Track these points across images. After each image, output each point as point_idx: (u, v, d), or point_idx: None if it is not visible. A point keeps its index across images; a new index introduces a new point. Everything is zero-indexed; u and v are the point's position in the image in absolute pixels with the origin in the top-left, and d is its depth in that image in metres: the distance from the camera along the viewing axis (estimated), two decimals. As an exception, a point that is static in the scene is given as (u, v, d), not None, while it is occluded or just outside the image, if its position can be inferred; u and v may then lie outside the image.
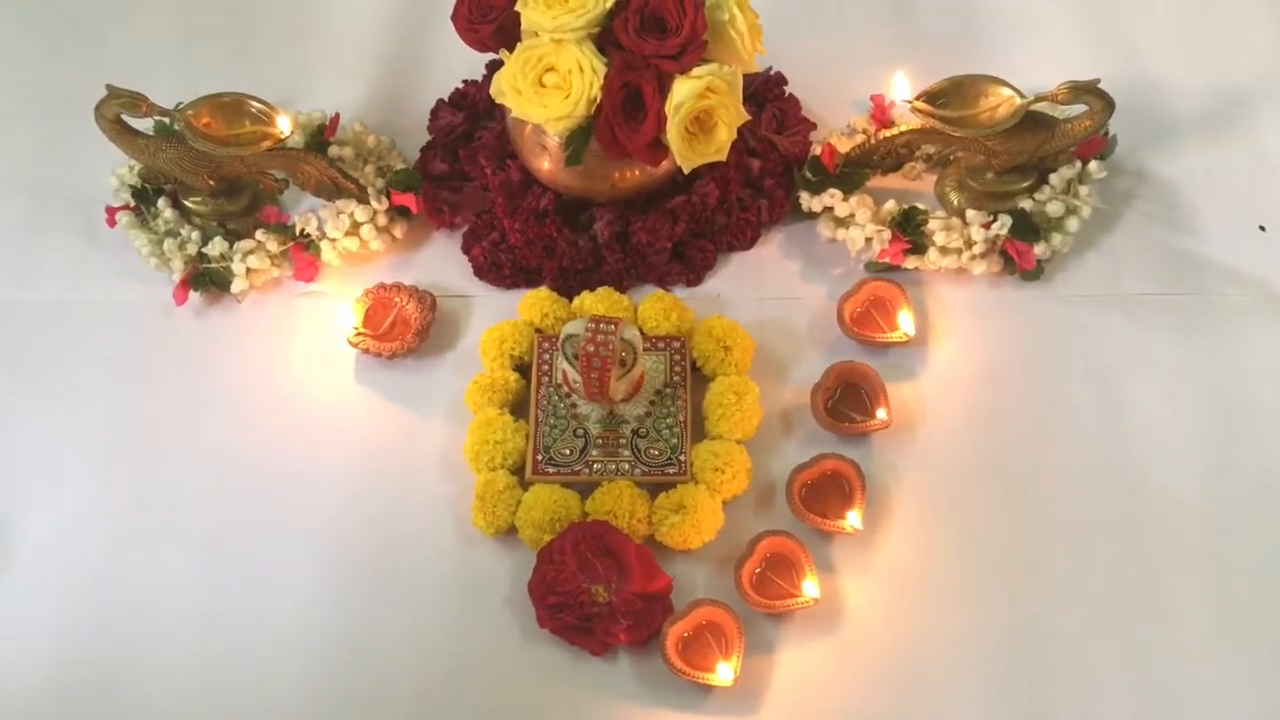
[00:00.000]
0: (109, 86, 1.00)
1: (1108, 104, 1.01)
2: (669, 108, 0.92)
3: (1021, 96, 1.01)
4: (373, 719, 0.92)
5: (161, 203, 1.10)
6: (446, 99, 1.18)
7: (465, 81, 1.19)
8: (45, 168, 1.18)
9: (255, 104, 1.03)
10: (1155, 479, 0.99)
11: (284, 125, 1.03)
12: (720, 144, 0.96)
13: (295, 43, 1.26)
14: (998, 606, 0.94)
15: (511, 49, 0.95)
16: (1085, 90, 1.00)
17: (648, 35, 0.92)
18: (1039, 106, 1.02)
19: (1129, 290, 1.08)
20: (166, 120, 1.06)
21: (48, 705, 0.93)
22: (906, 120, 1.09)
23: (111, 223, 1.10)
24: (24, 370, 1.08)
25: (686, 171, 0.97)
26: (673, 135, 0.93)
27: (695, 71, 0.92)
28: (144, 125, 1.08)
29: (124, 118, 1.03)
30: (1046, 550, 0.96)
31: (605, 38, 0.94)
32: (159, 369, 1.07)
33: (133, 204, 1.10)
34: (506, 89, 0.95)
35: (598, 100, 0.93)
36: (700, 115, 0.93)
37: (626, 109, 0.93)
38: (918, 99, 1.02)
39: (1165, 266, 1.09)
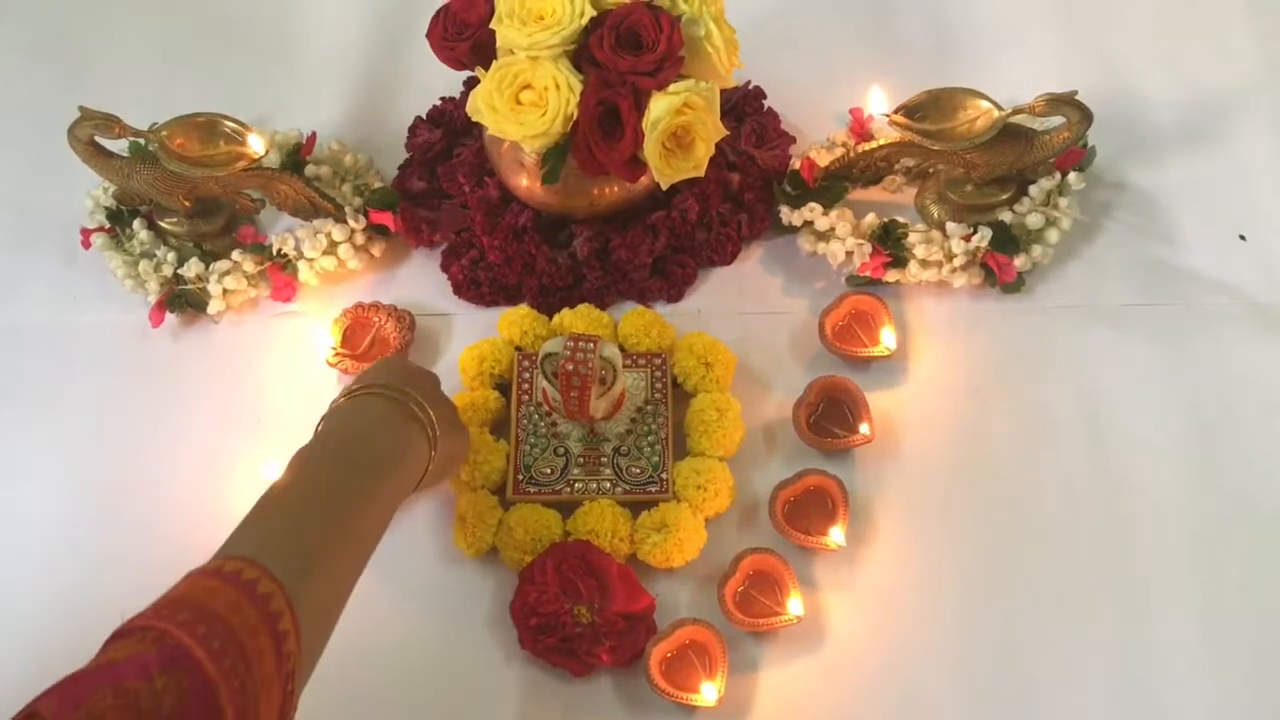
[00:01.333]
0: (81, 108, 1.00)
1: (1085, 115, 1.01)
2: (646, 124, 0.92)
3: (999, 109, 1.01)
4: (352, 742, 0.90)
5: (137, 224, 1.09)
6: (424, 116, 1.17)
7: (443, 99, 1.18)
8: (22, 189, 1.17)
9: (229, 124, 1.02)
10: (1139, 489, 0.99)
11: (257, 145, 1.02)
12: (698, 160, 0.95)
13: (271, 62, 1.25)
14: (982, 620, 0.94)
15: (487, 67, 0.94)
16: (1063, 102, 1.00)
17: (623, 52, 0.91)
18: (1017, 119, 1.02)
19: (1111, 301, 1.08)
20: (140, 141, 1.05)
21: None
22: (885, 133, 1.08)
23: (86, 245, 1.09)
24: (0, 390, 1.07)
25: (665, 188, 0.97)
26: (650, 152, 0.93)
27: (672, 88, 0.92)
28: (119, 147, 1.07)
29: (97, 139, 1.02)
30: (1031, 563, 0.96)
31: (581, 54, 0.93)
32: (136, 391, 1.06)
33: (108, 226, 1.10)
34: (482, 107, 0.95)
35: (574, 117, 0.92)
36: (678, 131, 0.93)
37: (603, 126, 0.93)
38: (896, 113, 1.02)
39: (1146, 276, 1.09)
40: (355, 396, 0.84)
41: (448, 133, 1.15)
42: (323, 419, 0.84)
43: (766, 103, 1.17)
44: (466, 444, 0.94)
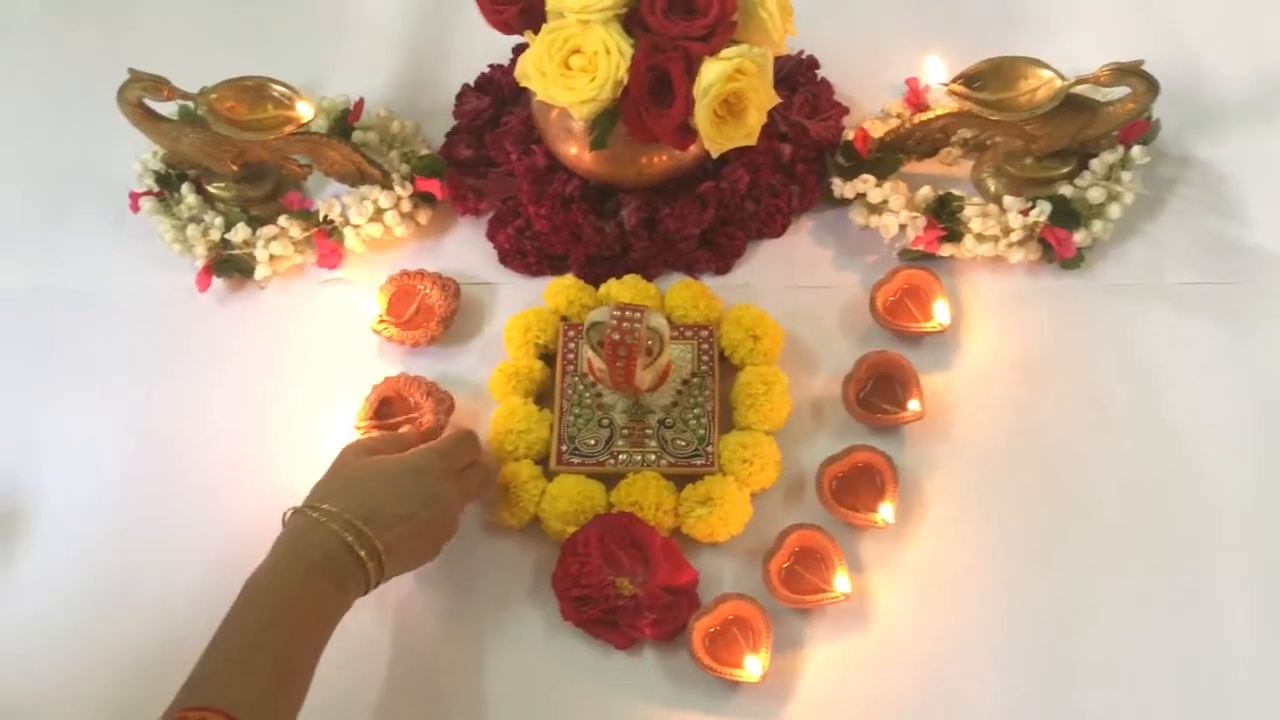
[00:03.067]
0: (130, 70, 0.99)
1: (1151, 86, 0.97)
2: (697, 90, 0.90)
3: (1062, 79, 0.98)
4: (394, 711, 0.90)
5: (185, 188, 1.09)
6: (472, 84, 1.16)
7: (491, 66, 1.17)
8: (71, 154, 1.17)
9: (278, 88, 1.02)
10: (1199, 474, 0.96)
11: (306, 110, 1.02)
12: (750, 128, 0.93)
13: (320, 28, 1.24)
14: (1033, 604, 0.91)
15: (537, 31, 0.93)
16: (1128, 72, 0.97)
17: (675, 16, 0.90)
18: (1080, 89, 0.99)
19: (1173, 279, 1.04)
20: (189, 105, 1.05)
21: (63, 674, 0.93)
22: (943, 104, 1.06)
23: (135, 208, 1.09)
24: (49, 354, 1.07)
25: (715, 156, 0.95)
26: (701, 119, 0.91)
27: (724, 53, 0.90)
28: (168, 110, 1.07)
29: (146, 102, 1.02)
30: (1085, 547, 0.93)
31: (632, 19, 0.91)
32: (183, 355, 1.06)
33: (156, 189, 1.10)
34: (531, 72, 0.93)
35: (624, 83, 0.91)
36: (729, 98, 0.91)
37: (654, 92, 0.91)
38: (954, 81, 1.00)
39: (1211, 255, 1.05)
40: (297, 523, 0.84)
41: (495, 100, 1.14)
42: (279, 538, 0.84)
43: (820, 73, 1.15)
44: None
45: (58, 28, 1.27)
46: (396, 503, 0.85)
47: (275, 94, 1.02)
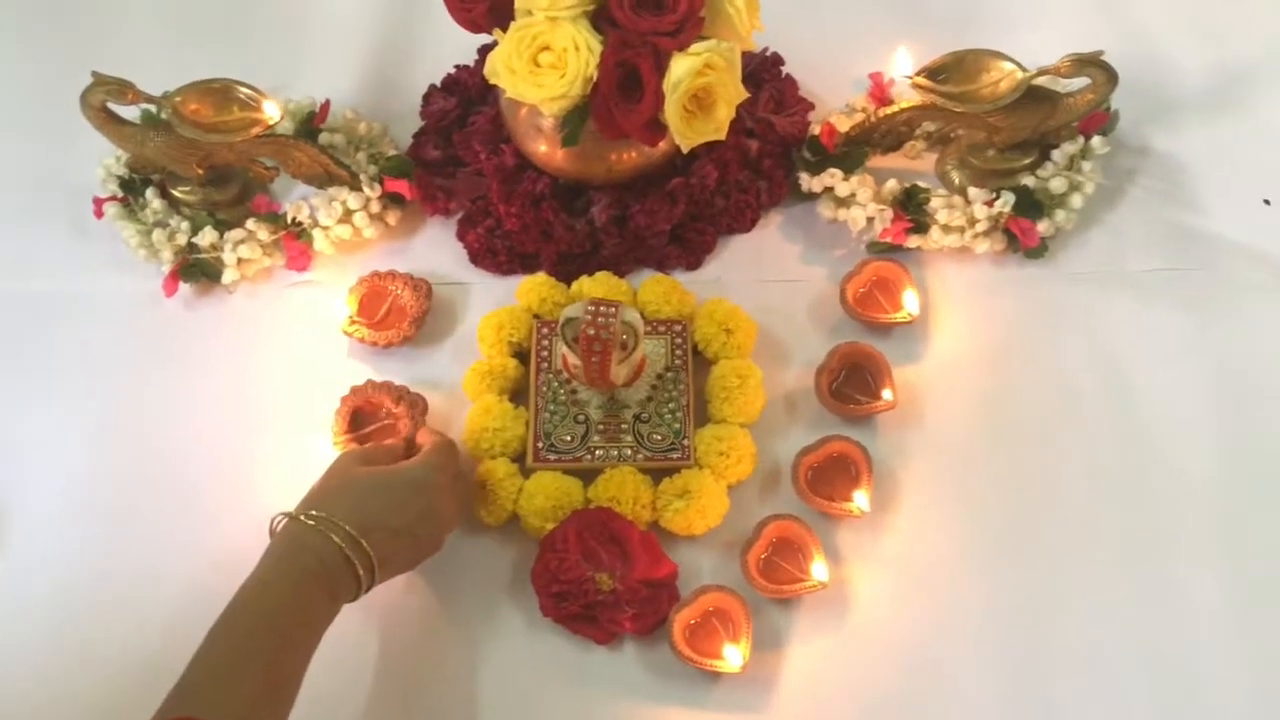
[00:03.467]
0: (94, 74, 0.98)
1: (1111, 76, 0.99)
2: (667, 85, 0.90)
3: (1024, 70, 0.99)
4: (374, 709, 0.90)
5: (150, 193, 1.08)
6: (439, 84, 1.16)
7: (457, 66, 1.17)
8: (36, 159, 1.16)
9: (243, 90, 1.01)
10: (1165, 457, 0.97)
11: (272, 111, 1.01)
12: (719, 122, 0.94)
13: (285, 31, 1.23)
14: (1006, 588, 0.92)
15: (505, 28, 0.93)
16: (1088, 63, 0.98)
17: (644, 12, 0.90)
18: (1041, 81, 1.00)
19: (1135, 267, 1.06)
20: (153, 109, 1.04)
21: (40, 678, 0.92)
22: (907, 98, 1.07)
23: (99, 214, 1.08)
24: (15, 360, 1.06)
25: (685, 151, 0.95)
26: (671, 114, 0.91)
27: (693, 48, 0.90)
28: (132, 114, 1.06)
29: (110, 106, 1.01)
30: (1055, 532, 0.95)
31: (601, 15, 0.92)
32: (150, 361, 1.05)
33: (120, 195, 1.08)
34: (500, 69, 0.93)
35: (594, 79, 0.91)
36: (699, 93, 0.92)
37: (623, 88, 0.91)
38: (918, 74, 1.01)
39: (1171, 242, 1.07)
40: (293, 530, 0.83)
41: (462, 100, 1.14)
42: (271, 544, 0.83)
43: (785, 69, 1.16)
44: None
45: (20, 36, 1.26)
46: (394, 515, 0.85)
47: (241, 96, 1.01)
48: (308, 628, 0.81)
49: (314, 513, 0.83)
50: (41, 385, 1.05)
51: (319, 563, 0.81)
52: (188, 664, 0.76)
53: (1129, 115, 1.11)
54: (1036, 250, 1.05)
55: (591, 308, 0.90)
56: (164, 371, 1.05)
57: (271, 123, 1.01)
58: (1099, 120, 1.07)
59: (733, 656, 0.88)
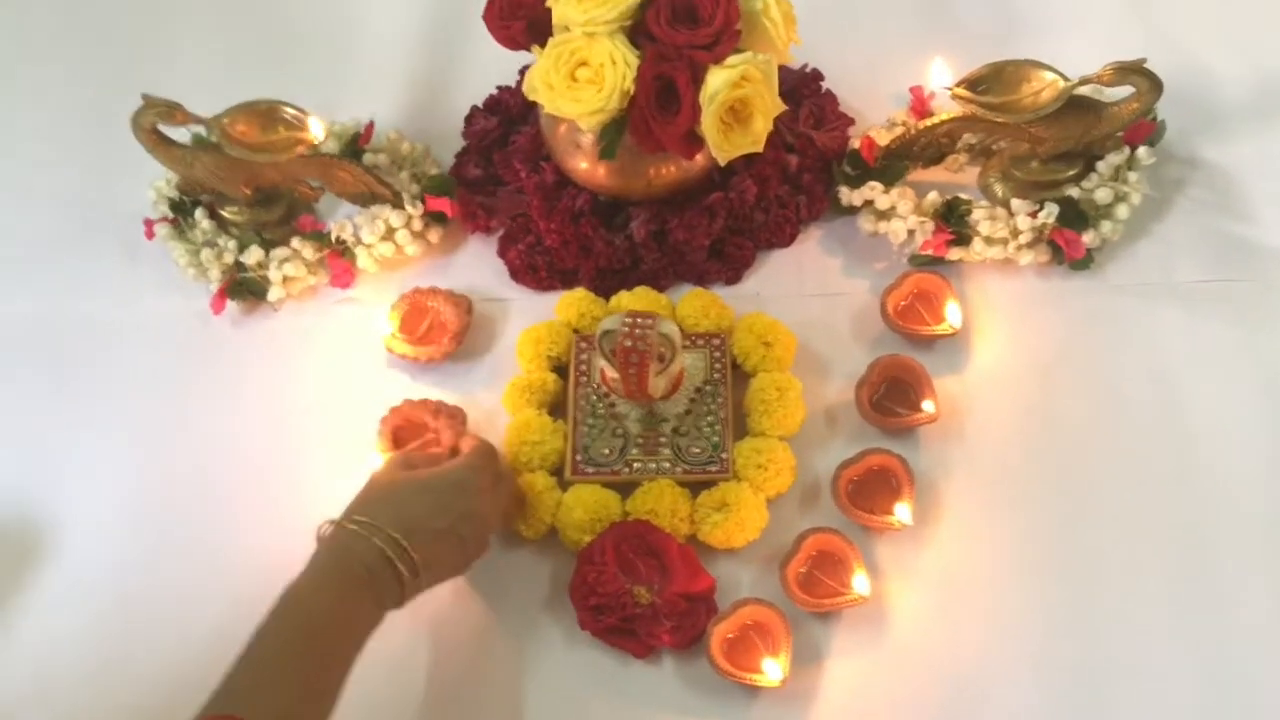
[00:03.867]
0: (145, 96, 1.01)
1: (1155, 84, 0.98)
2: (703, 98, 0.91)
3: (1065, 79, 0.99)
4: (409, 718, 0.89)
5: (199, 214, 1.10)
6: (481, 105, 1.18)
7: (499, 88, 1.18)
8: (89, 181, 1.19)
9: (289, 110, 1.03)
10: (1215, 473, 0.95)
11: (317, 130, 1.03)
12: (756, 134, 0.94)
13: (330, 55, 1.26)
14: (1053, 604, 0.90)
15: (543, 45, 0.94)
16: (1131, 71, 0.97)
17: (680, 26, 0.91)
18: (1084, 90, 0.99)
19: (1183, 278, 1.04)
20: (202, 130, 1.06)
21: (89, 689, 0.93)
22: (947, 110, 1.06)
23: (150, 235, 1.11)
24: (67, 379, 1.08)
25: (723, 163, 0.96)
26: (708, 126, 0.92)
27: (729, 61, 0.91)
28: (181, 137, 1.08)
29: (160, 128, 1.04)
30: (1103, 547, 0.92)
31: (637, 30, 0.93)
32: (198, 378, 1.07)
33: (171, 216, 1.11)
34: (539, 85, 0.94)
35: (631, 93, 0.92)
36: (735, 105, 0.92)
37: (660, 101, 0.92)
38: (958, 85, 1.00)
39: (1221, 254, 1.05)
40: (338, 536, 0.84)
41: (504, 120, 1.15)
42: (316, 551, 0.84)
43: (824, 85, 1.16)
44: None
45: (74, 54, 1.30)
46: (436, 517, 0.85)
47: (286, 116, 1.03)
48: (351, 632, 0.81)
49: (358, 518, 0.84)
50: (92, 403, 1.07)
51: (363, 567, 0.82)
52: (231, 664, 0.76)
53: (1176, 126, 1.10)
54: (1082, 262, 1.04)
55: (629, 320, 0.90)
56: (212, 388, 1.07)
57: (316, 142, 1.03)
58: (1145, 130, 1.06)
59: (772, 671, 0.87)
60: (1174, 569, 0.91)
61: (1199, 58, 1.17)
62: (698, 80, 0.91)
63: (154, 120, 1.02)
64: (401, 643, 0.92)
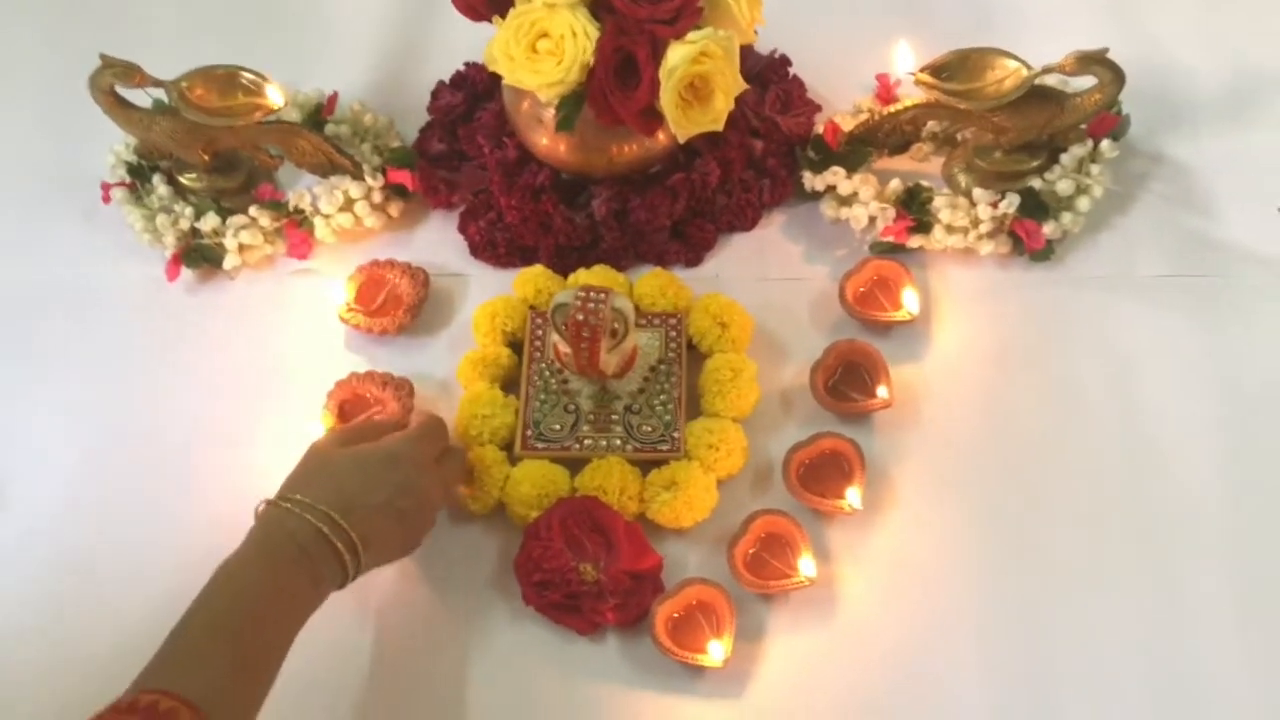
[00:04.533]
0: (103, 56, 1.00)
1: (1117, 75, 0.98)
2: (663, 73, 0.90)
3: (1028, 68, 0.98)
4: (354, 695, 0.88)
5: (156, 179, 1.09)
6: (446, 80, 1.17)
7: (466, 63, 1.17)
8: (43, 147, 1.18)
9: (248, 75, 1.02)
10: (1170, 464, 0.95)
11: (275, 96, 1.02)
12: (717, 113, 0.93)
13: (297, 26, 1.25)
14: (1002, 593, 0.90)
15: (505, 16, 0.93)
16: (1094, 60, 0.97)
17: (641, 0, 0.90)
18: (1048, 80, 0.99)
19: (1143, 272, 1.04)
20: (161, 94, 1.05)
21: (34, 657, 0.92)
22: (912, 98, 1.06)
23: (106, 199, 1.09)
24: (18, 344, 1.06)
25: (682, 140, 0.95)
26: (667, 102, 0.91)
27: (690, 36, 0.90)
28: (141, 101, 1.07)
29: (118, 90, 1.03)
30: (1054, 536, 0.92)
31: (599, 3, 0.92)
32: (152, 345, 1.05)
33: (128, 180, 1.10)
34: (499, 55, 0.94)
35: (591, 65, 0.91)
36: (695, 82, 0.91)
37: (620, 74, 0.91)
38: (922, 71, 1.00)
39: (1181, 248, 1.05)
40: (271, 514, 0.82)
41: (469, 96, 1.15)
42: (251, 530, 0.82)
43: (792, 70, 1.15)
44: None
45: (30, 25, 1.28)
46: (372, 492, 0.84)
47: (245, 81, 1.02)
48: (286, 610, 0.80)
49: (291, 496, 0.83)
50: (44, 369, 1.05)
51: (297, 547, 0.80)
52: (164, 640, 0.75)
53: (1142, 122, 1.10)
54: (1042, 253, 1.04)
55: (582, 293, 0.89)
56: (165, 355, 1.05)
57: (275, 108, 1.02)
58: (1109, 123, 1.06)
59: (715, 651, 0.86)
60: (1126, 561, 0.91)
61: (1168, 54, 1.17)
62: (658, 55, 0.91)
63: (112, 81, 1.01)
64: (344, 616, 0.91)
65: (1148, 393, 0.98)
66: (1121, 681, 0.86)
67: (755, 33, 0.97)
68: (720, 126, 0.94)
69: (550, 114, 1.00)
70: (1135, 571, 0.91)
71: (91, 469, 1.00)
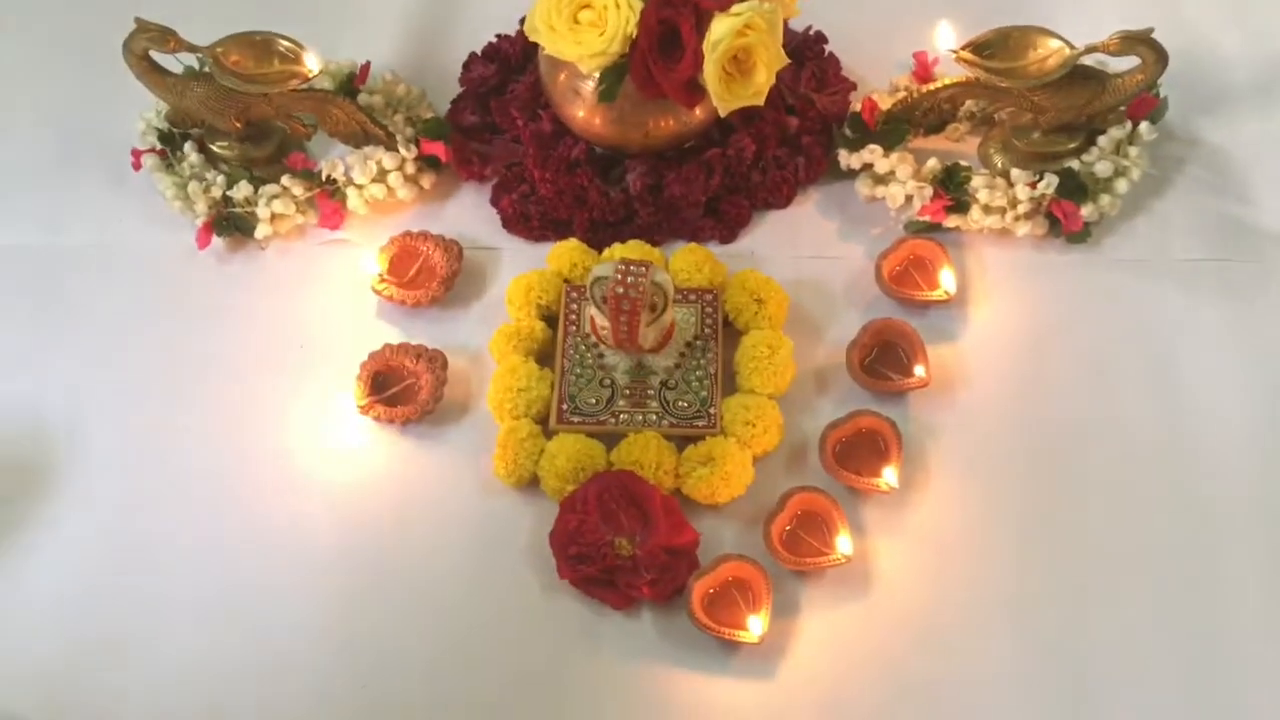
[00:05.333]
0: (137, 20, 0.99)
1: (1161, 56, 0.97)
2: (706, 45, 0.90)
3: (1072, 47, 0.98)
4: (387, 669, 0.88)
5: (187, 147, 1.08)
6: (479, 52, 1.16)
7: (498, 35, 1.16)
8: (75, 111, 1.17)
9: (284, 42, 1.01)
10: (1205, 448, 0.95)
11: (312, 64, 1.01)
12: (759, 86, 0.93)
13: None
14: (1037, 571, 0.90)
15: (546, -15, 0.93)
16: (1138, 40, 0.97)
17: (686, -29, 0.90)
18: (1089, 60, 0.99)
19: (1180, 256, 1.04)
20: (195, 60, 1.04)
21: (69, 631, 0.91)
22: (951, 76, 1.05)
23: (137, 166, 1.09)
24: (49, 312, 1.06)
25: (724, 114, 0.94)
26: (710, 75, 0.91)
27: (734, 9, 0.90)
28: (174, 68, 1.06)
29: (152, 55, 1.02)
30: (1088, 518, 0.92)
31: (643, -26, 0.91)
32: (182, 314, 1.05)
33: (159, 147, 1.09)
34: (540, 26, 0.93)
35: (634, 37, 0.90)
36: (739, 54, 0.91)
37: (663, 46, 0.91)
38: (963, 49, 0.99)
39: (1218, 233, 1.05)
40: None
41: (502, 68, 1.14)
42: None
43: (828, 48, 1.14)
44: None
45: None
46: None
47: (281, 49, 1.01)
48: None
49: None
50: (74, 336, 1.05)
51: None
52: None
53: (1179, 106, 1.09)
54: (1079, 235, 1.03)
55: (622, 267, 0.89)
56: (194, 325, 1.05)
57: (311, 75, 1.01)
58: (1148, 105, 1.05)
59: (754, 625, 0.86)
60: (1160, 542, 0.91)
61: (1207, 38, 1.16)
62: (702, 27, 0.90)
63: (146, 46, 1.00)
64: (374, 587, 0.91)
65: (1182, 375, 0.98)
66: (1154, 657, 0.87)
67: (797, 7, 0.96)
68: (762, 100, 0.94)
69: (588, 86, 1.00)
70: (1168, 551, 0.91)
71: (119, 436, 0.99)
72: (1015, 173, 1.03)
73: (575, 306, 1.00)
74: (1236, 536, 0.91)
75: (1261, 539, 0.91)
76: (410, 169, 1.07)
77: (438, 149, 1.07)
